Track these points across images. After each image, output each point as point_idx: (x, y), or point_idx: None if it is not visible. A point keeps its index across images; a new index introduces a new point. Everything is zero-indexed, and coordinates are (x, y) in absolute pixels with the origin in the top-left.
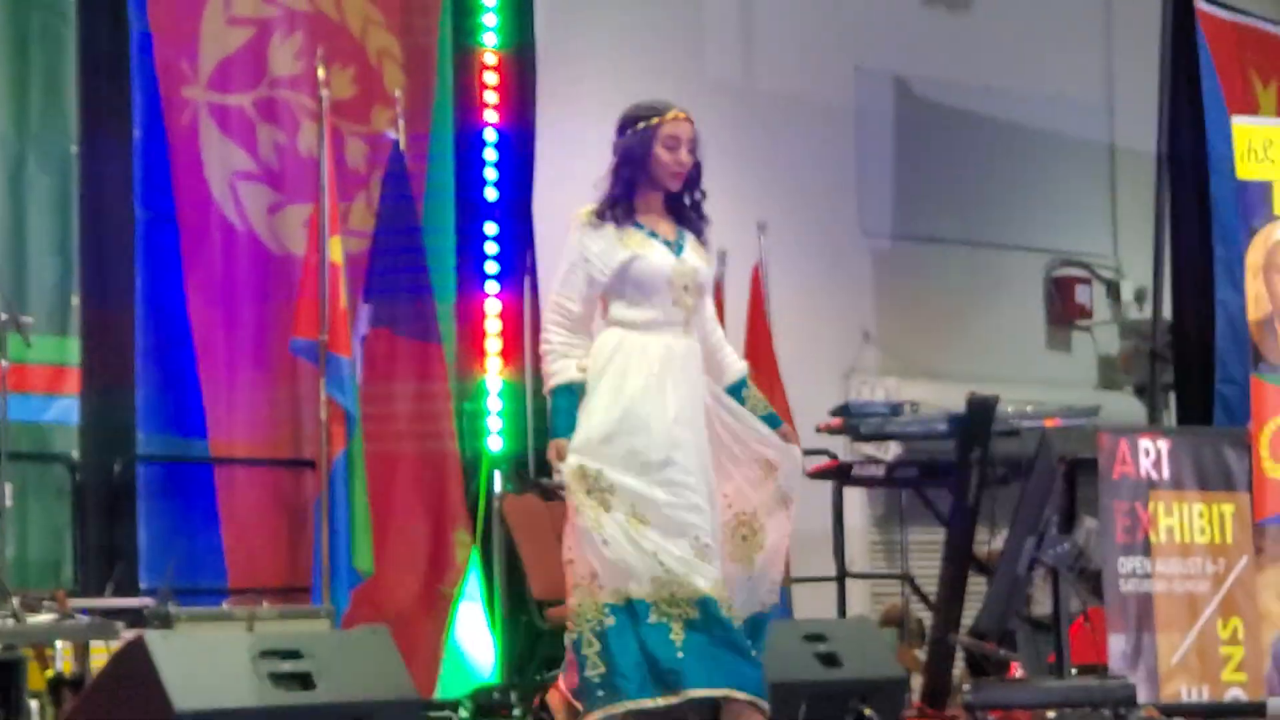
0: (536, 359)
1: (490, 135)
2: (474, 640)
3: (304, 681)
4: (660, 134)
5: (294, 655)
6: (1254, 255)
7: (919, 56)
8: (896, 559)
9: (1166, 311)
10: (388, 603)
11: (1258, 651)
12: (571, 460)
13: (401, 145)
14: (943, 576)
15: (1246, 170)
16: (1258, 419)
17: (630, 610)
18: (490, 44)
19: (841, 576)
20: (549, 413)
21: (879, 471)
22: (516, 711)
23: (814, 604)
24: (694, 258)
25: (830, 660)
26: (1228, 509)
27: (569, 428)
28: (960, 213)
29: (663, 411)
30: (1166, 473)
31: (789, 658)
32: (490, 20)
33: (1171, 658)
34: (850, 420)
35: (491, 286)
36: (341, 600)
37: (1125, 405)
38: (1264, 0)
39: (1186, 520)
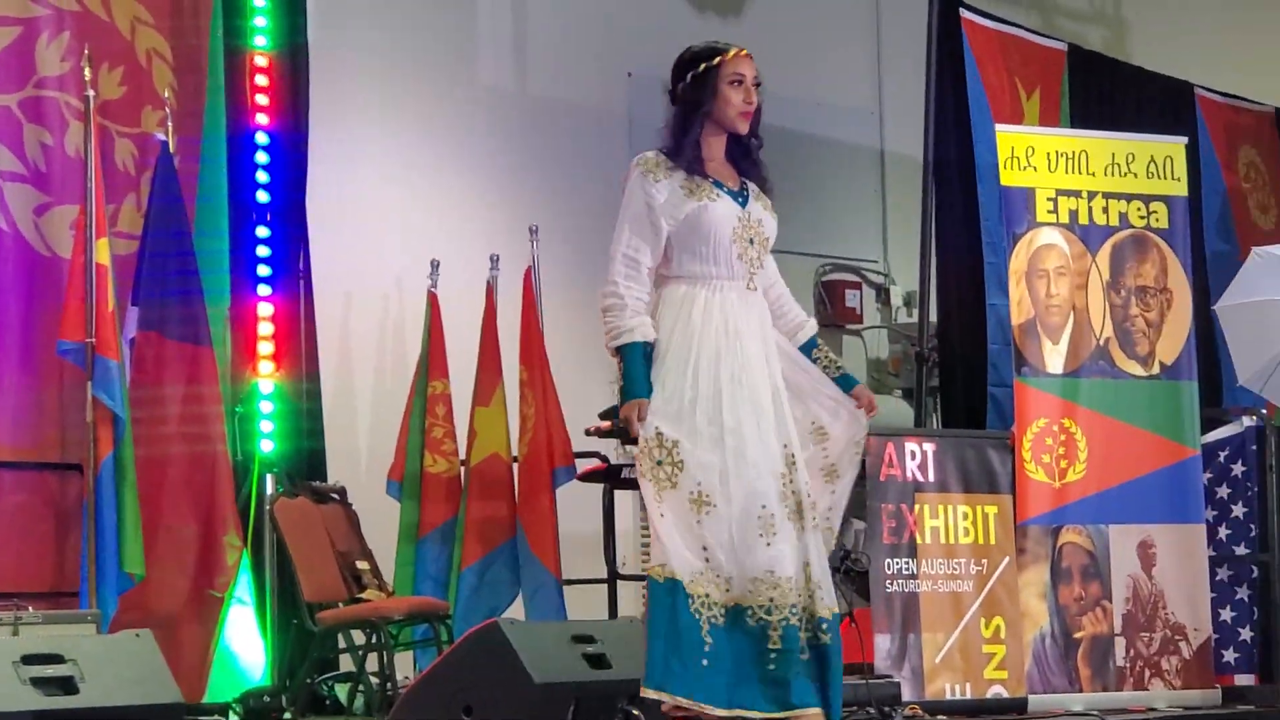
0: (311, 362)
1: (262, 138)
2: (244, 643)
3: (66, 686)
4: (725, 72)
5: (56, 660)
6: (1017, 261)
7: None
8: None
9: (934, 316)
10: (157, 606)
11: (1019, 649)
12: (651, 424)
13: (171, 147)
14: None
15: (1010, 177)
16: (1021, 422)
17: (672, 589)
18: (261, 45)
19: (612, 578)
20: (621, 371)
21: None
22: (287, 715)
23: (585, 605)
24: (758, 209)
25: (598, 661)
26: (991, 510)
27: (648, 388)
28: None
29: (733, 375)
30: (932, 475)
31: (557, 658)
32: (261, 22)
33: (935, 656)
34: (619, 423)
35: (264, 289)
36: (109, 604)
37: (894, 408)
38: (1028, 11)
39: (951, 521)
